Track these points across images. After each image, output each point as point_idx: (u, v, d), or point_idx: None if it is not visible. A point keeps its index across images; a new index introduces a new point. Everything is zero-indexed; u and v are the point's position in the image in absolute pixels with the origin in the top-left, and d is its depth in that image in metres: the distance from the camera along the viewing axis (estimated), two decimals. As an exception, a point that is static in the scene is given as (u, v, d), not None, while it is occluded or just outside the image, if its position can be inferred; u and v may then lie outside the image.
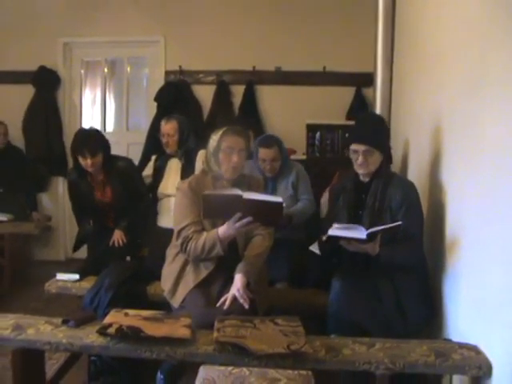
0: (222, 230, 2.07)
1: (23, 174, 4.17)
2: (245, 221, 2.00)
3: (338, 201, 2.34)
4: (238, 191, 2.00)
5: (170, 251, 2.30)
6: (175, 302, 2.17)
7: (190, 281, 2.16)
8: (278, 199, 2.01)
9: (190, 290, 2.12)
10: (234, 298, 2.01)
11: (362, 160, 2.17)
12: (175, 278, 2.20)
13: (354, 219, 2.20)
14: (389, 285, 2.12)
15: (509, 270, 1.55)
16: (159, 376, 2.08)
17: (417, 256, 2.15)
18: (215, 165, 2.20)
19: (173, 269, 2.24)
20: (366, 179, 2.25)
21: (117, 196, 2.93)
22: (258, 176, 2.68)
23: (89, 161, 2.81)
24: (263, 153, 2.86)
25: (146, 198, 3.12)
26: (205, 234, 2.12)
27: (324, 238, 2.10)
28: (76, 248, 3.13)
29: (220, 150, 2.17)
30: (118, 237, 2.92)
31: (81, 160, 2.84)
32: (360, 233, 2.02)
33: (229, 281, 2.10)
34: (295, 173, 2.98)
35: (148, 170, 3.33)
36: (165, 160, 3.20)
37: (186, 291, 2.13)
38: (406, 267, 2.12)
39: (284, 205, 2.73)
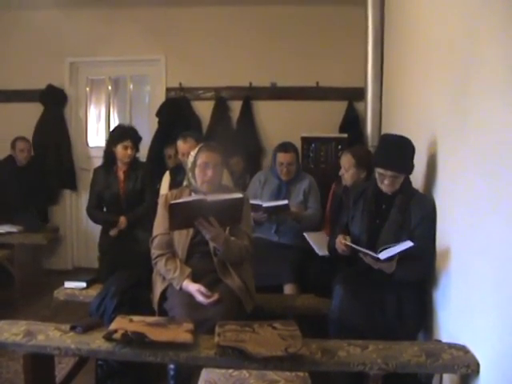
0: (186, 285, 2.12)
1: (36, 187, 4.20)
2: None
3: (357, 203, 2.36)
4: (201, 196, 2.10)
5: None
6: (154, 304, 2.25)
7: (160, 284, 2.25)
8: (239, 195, 2.13)
9: (175, 291, 2.17)
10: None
11: (388, 183, 2.21)
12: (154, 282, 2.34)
13: (371, 227, 2.26)
14: (393, 293, 2.16)
15: (492, 278, 1.64)
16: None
17: (427, 273, 2.18)
18: (192, 179, 2.29)
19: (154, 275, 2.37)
20: (389, 193, 2.27)
21: (127, 191, 3.22)
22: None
23: (129, 150, 3.13)
24: (281, 157, 3.06)
25: (149, 202, 3.20)
26: (176, 264, 2.19)
27: (348, 242, 2.16)
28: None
29: (196, 165, 2.26)
30: (122, 220, 3.17)
31: (121, 149, 3.14)
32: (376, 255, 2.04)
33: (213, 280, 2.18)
34: (308, 182, 3.17)
35: (163, 188, 3.23)
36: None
37: (158, 293, 2.22)
38: (415, 281, 2.18)
39: (287, 202, 2.92)
